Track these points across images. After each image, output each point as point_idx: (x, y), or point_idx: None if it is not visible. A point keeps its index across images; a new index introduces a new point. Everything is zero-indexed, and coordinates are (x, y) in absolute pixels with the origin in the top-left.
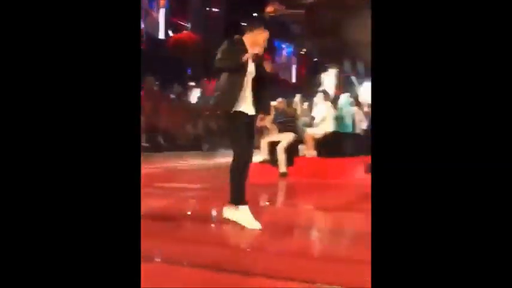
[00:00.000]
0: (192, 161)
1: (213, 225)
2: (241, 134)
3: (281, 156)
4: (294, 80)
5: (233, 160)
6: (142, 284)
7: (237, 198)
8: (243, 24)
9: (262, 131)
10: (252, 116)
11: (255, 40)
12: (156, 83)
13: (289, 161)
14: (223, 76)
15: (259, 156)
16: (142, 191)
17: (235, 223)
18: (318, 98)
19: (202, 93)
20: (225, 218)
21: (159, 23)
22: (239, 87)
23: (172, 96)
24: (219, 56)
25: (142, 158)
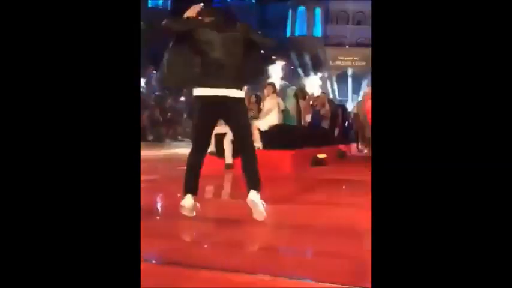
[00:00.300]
0: None
1: (158, 217)
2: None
3: (227, 148)
4: None
5: (250, 146)
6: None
7: (259, 183)
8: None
9: None
10: None
11: None
12: None
13: (235, 153)
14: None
15: None
16: None
17: (182, 216)
18: (265, 90)
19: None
20: (249, 201)
21: None
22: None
23: None
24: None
25: None
